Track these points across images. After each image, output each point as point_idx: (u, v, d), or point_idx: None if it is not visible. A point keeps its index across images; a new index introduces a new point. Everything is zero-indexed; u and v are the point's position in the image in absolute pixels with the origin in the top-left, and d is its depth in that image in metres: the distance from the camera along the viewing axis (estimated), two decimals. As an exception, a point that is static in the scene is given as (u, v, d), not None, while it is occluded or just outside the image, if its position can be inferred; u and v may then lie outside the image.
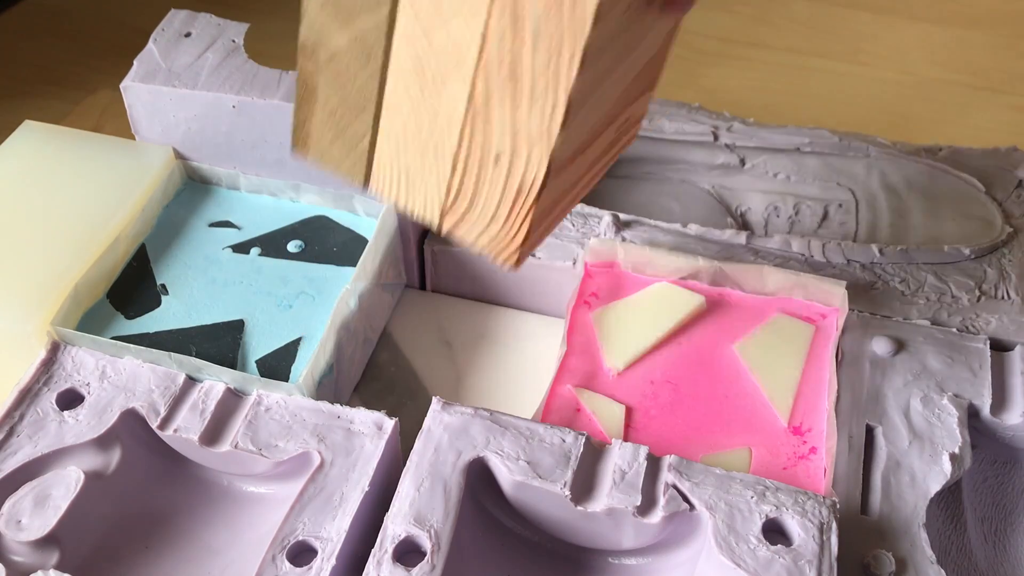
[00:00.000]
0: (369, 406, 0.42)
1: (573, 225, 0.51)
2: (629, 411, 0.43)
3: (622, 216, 0.50)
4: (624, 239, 0.49)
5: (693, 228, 0.50)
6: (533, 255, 0.49)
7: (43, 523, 0.38)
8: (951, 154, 0.55)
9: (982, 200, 0.53)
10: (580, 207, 0.51)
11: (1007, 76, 0.71)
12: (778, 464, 0.41)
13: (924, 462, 0.40)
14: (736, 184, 0.57)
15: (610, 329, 0.46)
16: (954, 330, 0.44)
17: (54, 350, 0.43)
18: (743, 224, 0.55)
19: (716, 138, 0.57)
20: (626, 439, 0.42)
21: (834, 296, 0.45)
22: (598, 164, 0.36)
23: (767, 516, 0.36)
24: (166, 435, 0.41)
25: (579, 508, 0.37)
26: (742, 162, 0.57)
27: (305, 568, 0.36)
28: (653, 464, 0.38)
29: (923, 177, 0.54)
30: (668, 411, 0.43)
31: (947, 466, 0.40)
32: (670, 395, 0.44)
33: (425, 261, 0.52)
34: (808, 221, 0.55)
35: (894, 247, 0.49)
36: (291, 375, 0.43)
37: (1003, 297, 0.47)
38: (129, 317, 0.46)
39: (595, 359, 0.45)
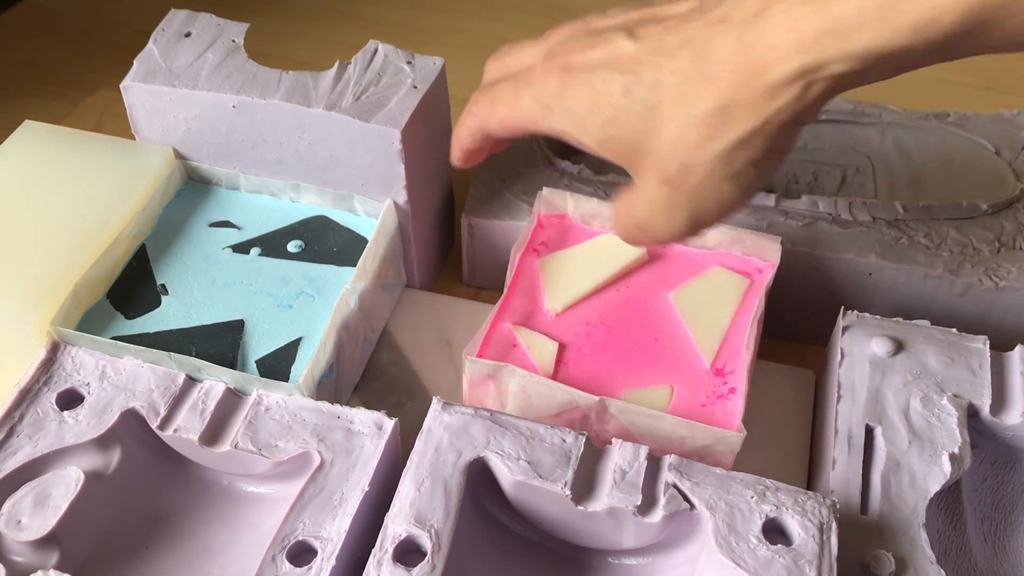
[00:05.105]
0: (369, 406, 0.42)
1: (607, 194, 0.52)
2: (562, 348, 0.45)
3: None
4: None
5: None
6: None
7: (43, 523, 0.38)
8: (959, 119, 0.57)
9: (993, 160, 0.55)
10: (615, 178, 0.53)
11: (1008, 76, 0.71)
12: (697, 402, 0.43)
13: (924, 462, 0.40)
14: None
15: (554, 275, 0.47)
16: (954, 330, 0.44)
17: (54, 350, 0.43)
18: (765, 191, 0.56)
19: None
20: (556, 374, 0.43)
21: (770, 251, 0.47)
22: None
23: (767, 516, 0.36)
24: (166, 435, 0.41)
25: (580, 508, 0.37)
26: None
27: (305, 568, 0.36)
28: (653, 464, 0.38)
29: (935, 140, 0.56)
30: (599, 350, 0.45)
31: (947, 466, 0.40)
32: (603, 336, 0.45)
33: (462, 234, 0.52)
34: (827, 186, 0.56)
35: (916, 204, 0.50)
36: (291, 375, 0.43)
37: (1021, 248, 0.50)
38: (129, 317, 0.46)
39: (536, 301, 0.46)
